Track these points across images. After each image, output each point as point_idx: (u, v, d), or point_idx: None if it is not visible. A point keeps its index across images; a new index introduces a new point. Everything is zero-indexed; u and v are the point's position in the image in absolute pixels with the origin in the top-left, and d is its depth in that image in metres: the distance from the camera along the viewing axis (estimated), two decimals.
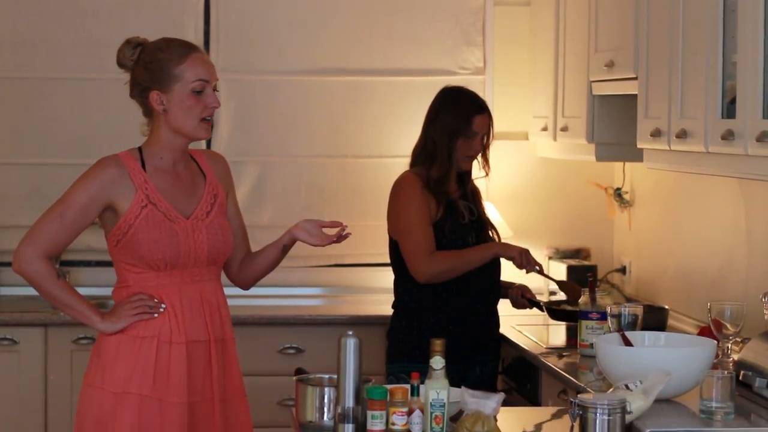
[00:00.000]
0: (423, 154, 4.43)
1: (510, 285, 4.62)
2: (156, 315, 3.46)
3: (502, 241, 4.63)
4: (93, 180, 3.47)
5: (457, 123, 4.38)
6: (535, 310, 4.63)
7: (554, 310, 4.68)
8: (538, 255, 5.58)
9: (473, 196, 4.53)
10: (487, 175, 4.53)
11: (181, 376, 3.44)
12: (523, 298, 4.59)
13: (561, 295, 4.82)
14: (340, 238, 3.61)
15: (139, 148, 3.54)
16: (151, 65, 3.47)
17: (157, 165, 3.51)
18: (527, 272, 4.42)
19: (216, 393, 3.51)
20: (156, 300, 3.46)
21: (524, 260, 4.38)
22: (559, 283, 4.75)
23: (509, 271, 4.65)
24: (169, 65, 3.45)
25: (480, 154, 4.46)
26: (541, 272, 4.48)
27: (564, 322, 4.70)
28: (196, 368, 3.47)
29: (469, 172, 4.51)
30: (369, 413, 3.04)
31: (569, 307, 4.65)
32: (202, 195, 3.56)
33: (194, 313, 3.50)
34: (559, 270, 5.42)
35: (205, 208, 3.54)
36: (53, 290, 3.49)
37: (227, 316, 3.59)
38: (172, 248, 3.45)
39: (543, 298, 5.08)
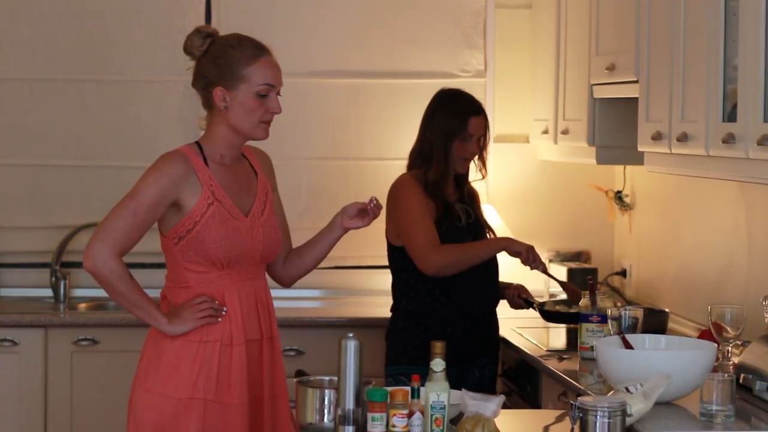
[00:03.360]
0: (420, 156, 4.44)
1: (507, 285, 4.62)
2: (220, 319, 3.43)
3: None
4: (163, 175, 3.39)
5: (453, 125, 4.38)
6: (532, 311, 4.63)
7: (548, 312, 4.66)
8: None
9: (470, 199, 4.53)
10: (484, 177, 4.53)
11: (242, 376, 3.42)
12: (519, 299, 4.59)
13: (561, 296, 4.82)
14: (375, 209, 3.65)
15: (198, 144, 3.49)
16: (220, 61, 3.43)
17: (217, 161, 3.47)
18: (531, 269, 4.42)
19: (266, 391, 3.50)
20: (218, 302, 3.43)
21: (530, 257, 4.37)
22: (562, 283, 4.75)
23: (507, 272, 4.65)
24: (239, 64, 3.42)
25: (477, 157, 4.46)
26: (544, 271, 4.48)
27: (557, 324, 4.69)
28: (252, 367, 3.46)
29: (466, 175, 4.51)
30: (369, 415, 3.04)
31: (563, 309, 4.65)
32: (256, 193, 3.54)
33: (251, 312, 3.48)
34: (559, 273, 5.41)
35: (260, 206, 3.53)
36: (125, 290, 3.39)
37: (274, 313, 3.58)
38: (237, 246, 3.42)
39: (543, 299, 5.07)
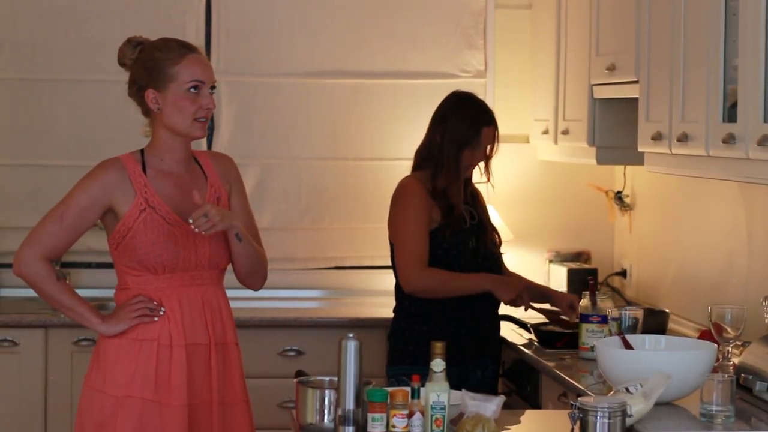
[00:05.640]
0: (428, 158, 4.42)
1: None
2: (156, 318, 3.46)
3: (504, 243, 4.63)
4: (93, 182, 3.48)
5: (466, 133, 4.37)
6: (532, 312, 4.60)
7: (542, 332, 4.59)
8: (539, 258, 5.60)
9: (473, 199, 4.52)
10: (488, 181, 4.52)
11: (182, 379, 3.44)
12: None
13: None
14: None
15: (141, 151, 3.54)
16: (148, 64, 3.48)
17: (158, 167, 3.51)
18: (516, 307, 4.44)
19: (215, 396, 3.50)
20: (155, 303, 3.46)
21: (518, 302, 4.40)
22: (548, 314, 4.68)
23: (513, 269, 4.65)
24: (166, 64, 3.46)
25: (482, 162, 4.45)
26: (531, 308, 4.49)
27: (550, 349, 4.44)
28: (196, 371, 3.47)
29: (470, 177, 4.50)
30: (369, 416, 3.04)
31: (557, 329, 4.57)
32: (203, 198, 3.55)
33: (195, 316, 3.49)
34: (559, 273, 5.42)
35: None
36: (53, 292, 3.49)
37: (229, 320, 3.59)
38: (170, 252, 3.44)
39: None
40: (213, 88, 3.52)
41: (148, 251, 3.44)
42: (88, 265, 5.50)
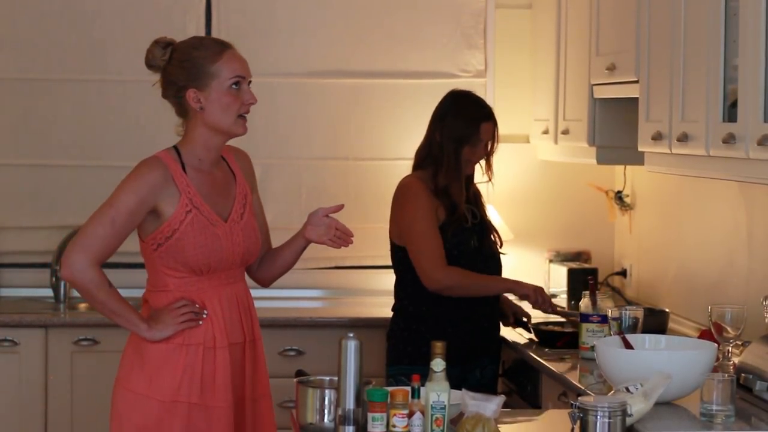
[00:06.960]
0: (428, 157, 4.42)
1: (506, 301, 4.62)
2: (200, 322, 3.43)
3: (504, 243, 4.63)
4: (141, 183, 3.39)
5: (464, 129, 4.37)
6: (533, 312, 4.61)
7: (542, 332, 4.58)
8: (539, 258, 5.60)
9: (475, 199, 4.52)
10: (489, 180, 4.52)
11: (226, 379, 3.43)
12: (513, 317, 4.58)
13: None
14: (344, 237, 3.59)
15: (176, 148, 3.49)
16: (186, 64, 3.43)
17: (196, 167, 3.47)
18: (542, 311, 4.43)
19: (247, 392, 3.51)
20: (197, 305, 3.43)
21: (539, 299, 4.39)
22: (569, 317, 4.67)
23: (507, 272, 4.65)
24: (205, 63, 3.42)
25: (483, 160, 4.45)
26: (554, 312, 4.48)
27: (551, 349, 4.44)
28: (235, 370, 3.47)
29: (472, 176, 4.50)
30: (369, 415, 3.04)
31: (557, 329, 4.58)
32: (235, 196, 3.53)
33: (233, 315, 3.48)
34: (559, 273, 5.42)
35: (239, 209, 3.52)
36: (104, 298, 3.39)
37: (256, 316, 3.59)
38: (216, 253, 3.42)
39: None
40: (250, 82, 3.50)
41: (196, 253, 3.40)
42: None
